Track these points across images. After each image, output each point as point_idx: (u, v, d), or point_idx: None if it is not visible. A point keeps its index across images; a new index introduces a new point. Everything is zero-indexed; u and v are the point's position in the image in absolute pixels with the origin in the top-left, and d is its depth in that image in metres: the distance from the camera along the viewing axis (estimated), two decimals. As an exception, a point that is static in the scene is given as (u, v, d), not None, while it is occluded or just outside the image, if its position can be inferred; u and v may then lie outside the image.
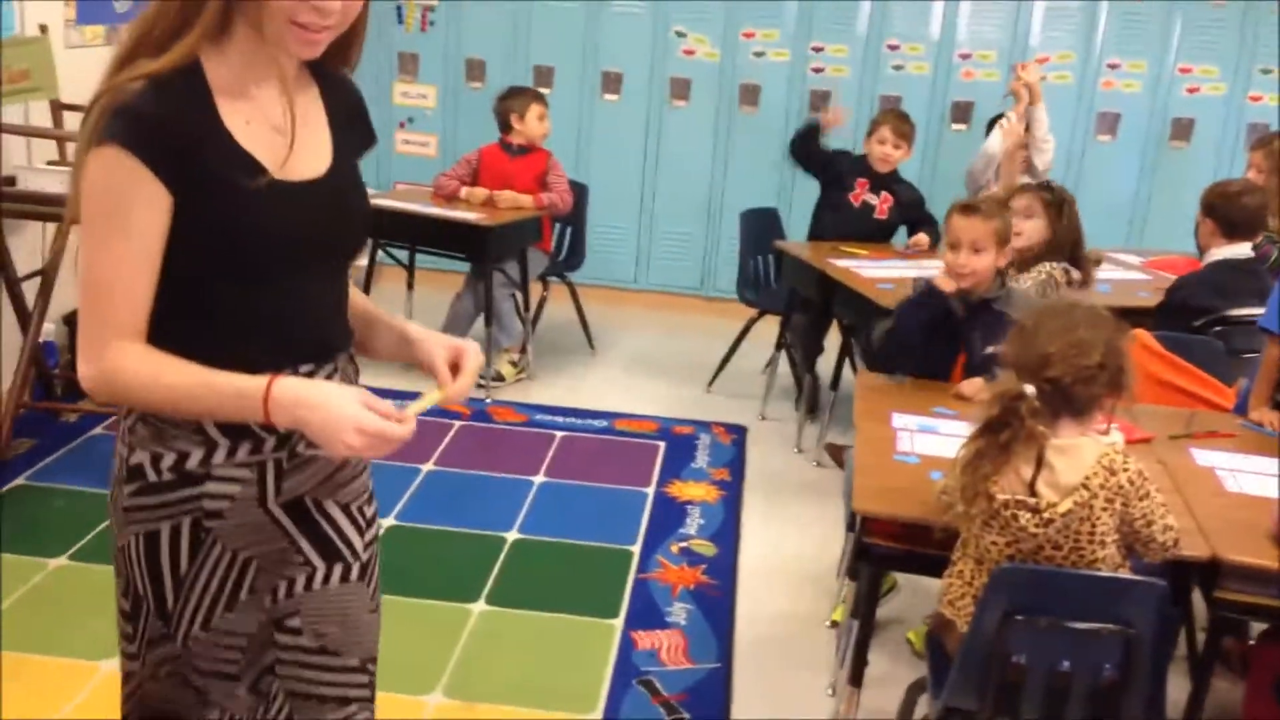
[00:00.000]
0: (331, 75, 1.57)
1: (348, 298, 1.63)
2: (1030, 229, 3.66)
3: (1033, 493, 2.14)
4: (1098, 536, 2.13)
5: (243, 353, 1.44)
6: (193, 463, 1.48)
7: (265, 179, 1.42)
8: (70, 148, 4.09)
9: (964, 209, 3.12)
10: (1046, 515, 2.11)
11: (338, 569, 1.61)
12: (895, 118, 4.85)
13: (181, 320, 1.44)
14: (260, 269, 1.45)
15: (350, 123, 1.60)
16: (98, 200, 1.38)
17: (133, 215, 1.37)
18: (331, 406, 1.38)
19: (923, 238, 4.73)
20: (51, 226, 3.94)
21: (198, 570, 1.51)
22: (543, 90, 5.53)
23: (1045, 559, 2.15)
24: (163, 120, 1.36)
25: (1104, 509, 2.12)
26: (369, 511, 1.68)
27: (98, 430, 4.17)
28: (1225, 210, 3.70)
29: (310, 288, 1.53)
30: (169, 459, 1.48)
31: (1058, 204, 3.73)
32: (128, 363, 1.41)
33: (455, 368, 1.59)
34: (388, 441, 1.38)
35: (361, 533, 1.65)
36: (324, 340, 1.56)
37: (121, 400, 1.47)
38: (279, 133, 1.46)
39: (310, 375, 1.51)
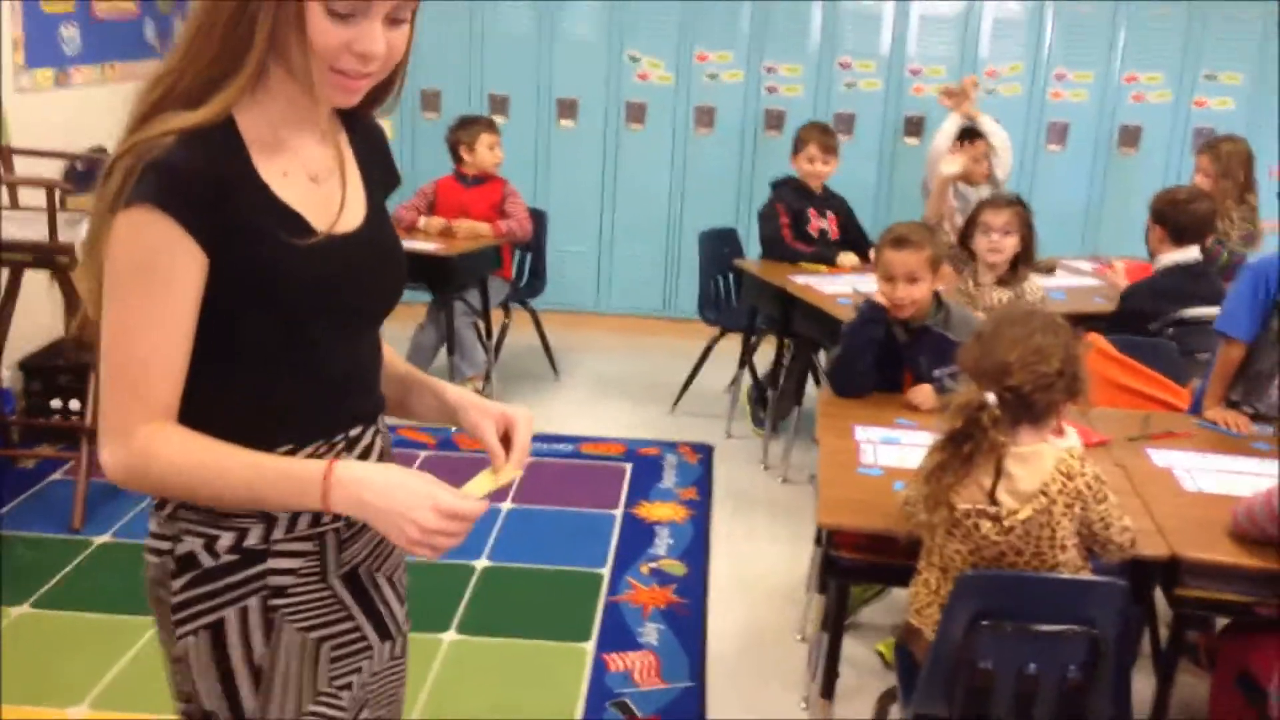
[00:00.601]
0: (359, 119, 1.48)
1: (382, 356, 1.54)
2: (1010, 245, 3.70)
3: (993, 501, 2.16)
4: (1058, 541, 2.15)
5: (272, 403, 1.36)
6: (253, 539, 1.36)
7: (315, 237, 1.33)
8: (23, 192, 4.05)
9: (895, 242, 3.11)
10: (1007, 523, 2.14)
11: (389, 646, 1.54)
12: (819, 132, 4.82)
13: (211, 364, 1.32)
14: (296, 323, 1.35)
15: (378, 167, 1.52)
16: (128, 266, 1.25)
17: (168, 281, 1.26)
18: (399, 484, 1.28)
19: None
20: (5, 271, 3.90)
21: (273, 658, 1.38)
22: (498, 119, 5.54)
23: (1008, 565, 2.18)
24: (196, 177, 1.25)
25: (1063, 514, 2.14)
26: (405, 580, 1.60)
27: (56, 475, 4.12)
28: (1174, 217, 3.77)
29: (346, 341, 1.42)
30: (226, 539, 1.35)
31: (1029, 218, 3.79)
32: (163, 449, 1.27)
33: (505, 439, 1.46)
34: (462, 521, 1.28)
35: (402, 603, 1.59)
36: (364, 397, 1.47)
37: (155, 491, 1.33)
38: (317, 184, 1.37)
39: (359, 437, 1.44)
